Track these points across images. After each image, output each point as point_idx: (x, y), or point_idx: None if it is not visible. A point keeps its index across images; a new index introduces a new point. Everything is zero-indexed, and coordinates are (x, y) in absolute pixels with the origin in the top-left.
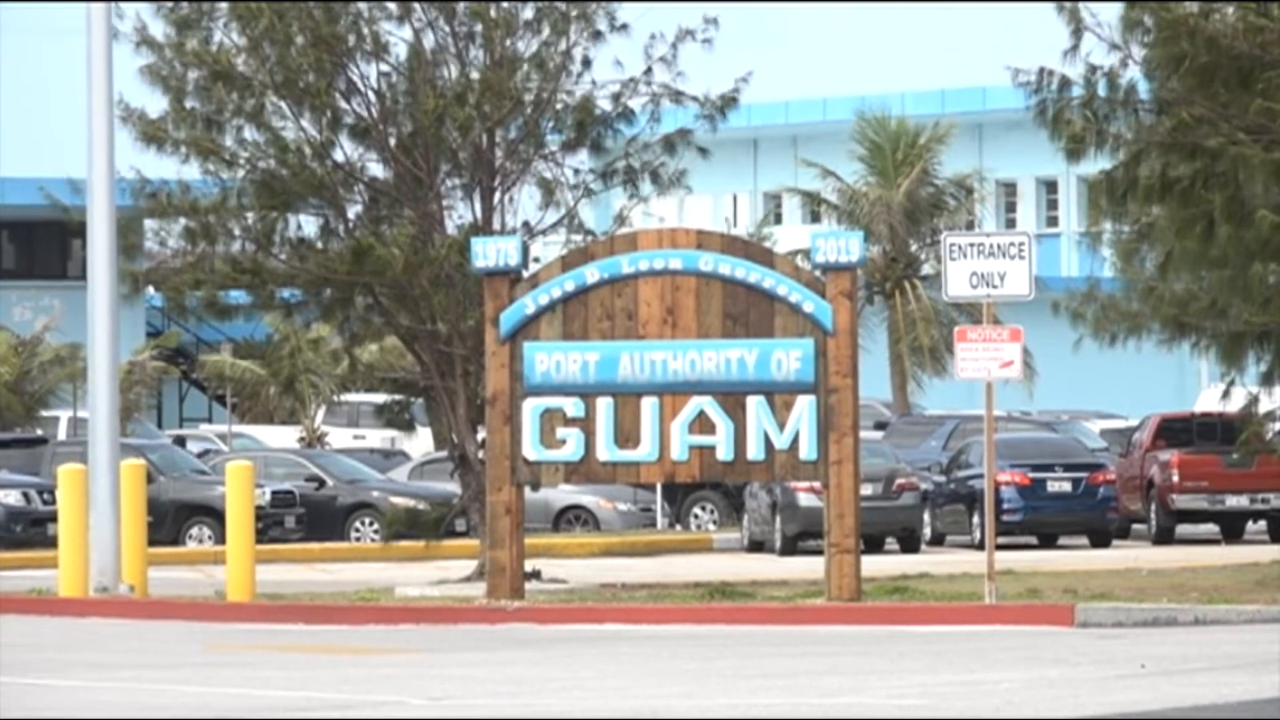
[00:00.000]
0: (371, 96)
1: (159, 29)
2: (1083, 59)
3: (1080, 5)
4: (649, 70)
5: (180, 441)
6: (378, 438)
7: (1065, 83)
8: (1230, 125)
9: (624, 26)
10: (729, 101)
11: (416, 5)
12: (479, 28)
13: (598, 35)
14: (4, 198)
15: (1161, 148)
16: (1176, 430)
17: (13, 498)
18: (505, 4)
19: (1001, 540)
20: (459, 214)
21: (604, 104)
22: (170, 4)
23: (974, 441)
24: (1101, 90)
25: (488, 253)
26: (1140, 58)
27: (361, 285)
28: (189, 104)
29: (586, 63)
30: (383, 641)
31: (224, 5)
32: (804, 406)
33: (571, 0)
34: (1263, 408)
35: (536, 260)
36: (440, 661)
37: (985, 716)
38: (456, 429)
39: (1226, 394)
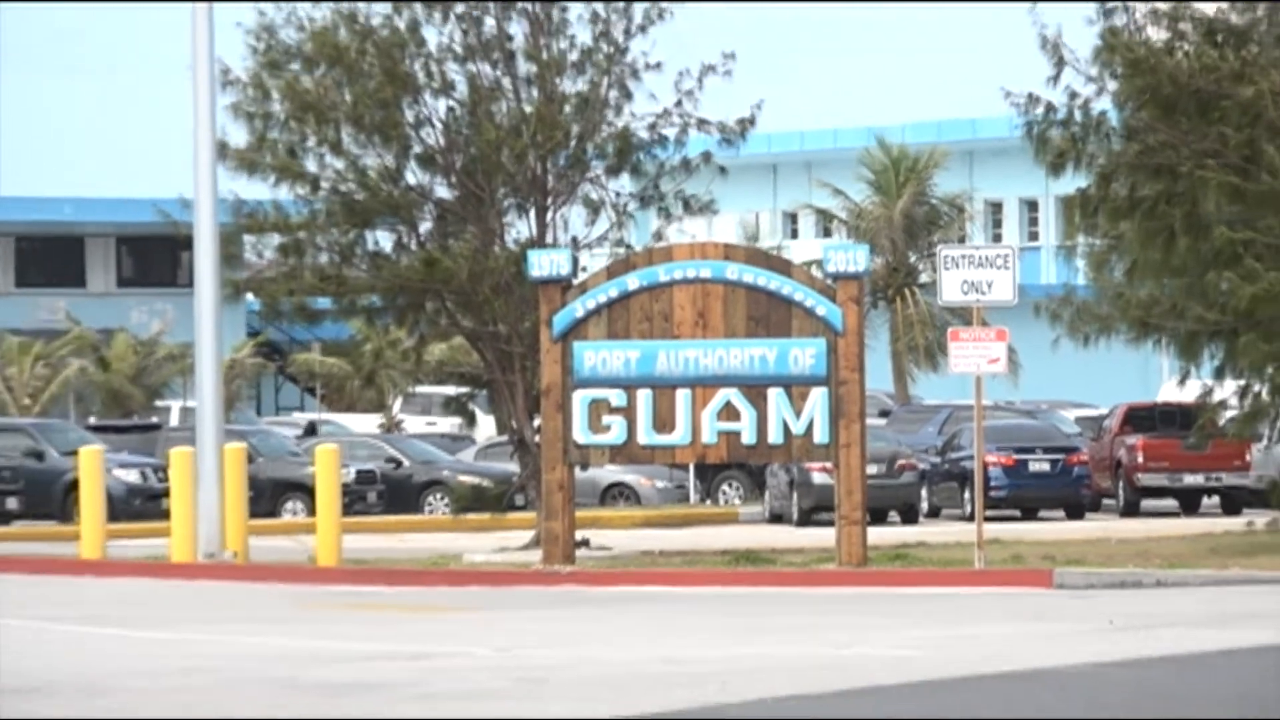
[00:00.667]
0: (438, 127)
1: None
2: (1063, 88)
3: (1061, 41)
4: (679, 103)
5: (312, 428)
6: (448, 424)
7: (1050, 107)
8: (1190, 150)
9: (657, 65)
10: (746, 126)
11: (478, 48)
12: (533, 69)
13: (635, 73)
14: (123, 215)
15: (1129, 169)
16: (1141, 418)
17: (132, 476)
18: (557, 48)
19: (989, 513)
20: (516, 230)
21: (641, 133)
22: (262, 47)
23: (965, 427)
24: (1078, 116)
25: (542, 264)
26: (1111, 90)
27: (431, 292)
28: (271, 135)
29: (626, 96)
30: (452, 601)
31: (309, 46)
32: (817, 397)
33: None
34: (1216, 397)
35: (584, 270)
36: (502, 618)
37: (974, 665)
38: (516, 417)
39: (1183, 385)
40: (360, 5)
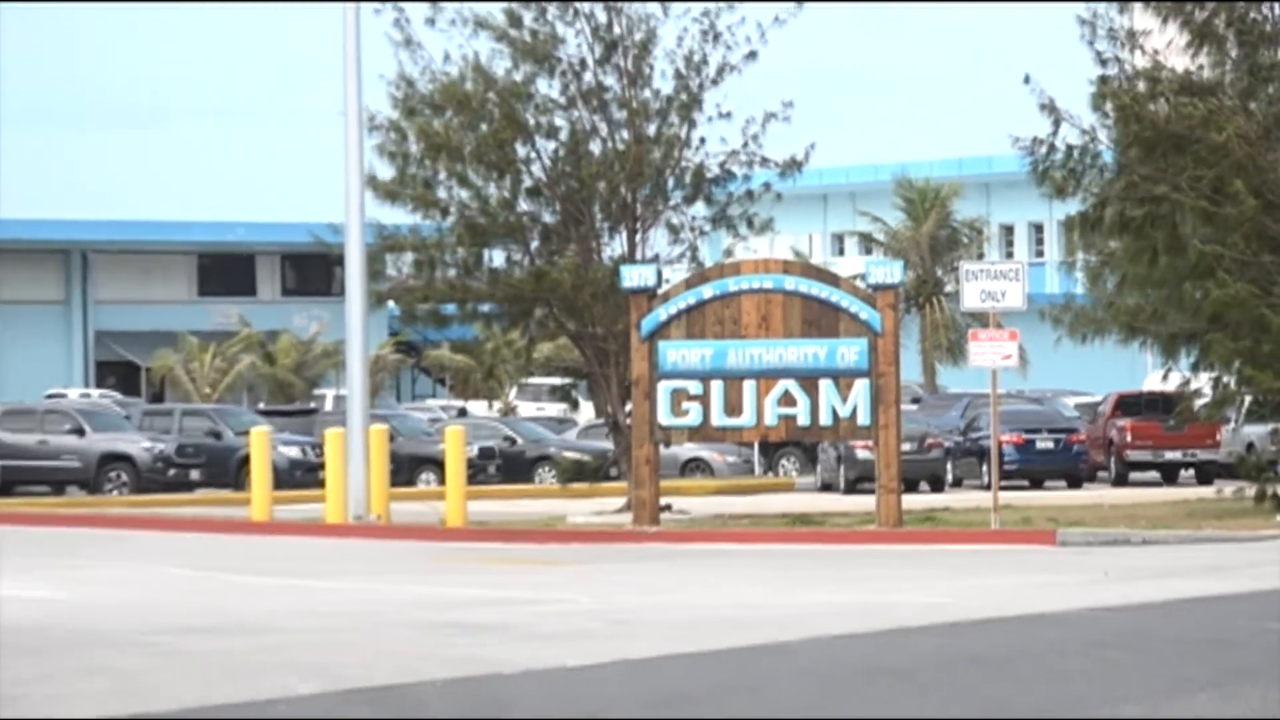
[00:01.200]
0: (546, 163)
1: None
2: (1061, 139)
3: (1057, 105)
4: (745, 145)
5: (463, 412)
6: (555, 409)
7: (1051, 148)
8: (1169, 183)
9: (727, 114)
10: (799, 163)
11: (579, 97)
12: (624, 115)
13: (709, 120)
14: (286, 237)
15: (1118, 198)
16: (1130, 404)
17: (294, 452)
18: (644, 97)
19: (1003, 483)
20: (610, 248)
21: (713, 169)
22: (402, 96)
23: (983, 412)
24: (1075, 154)
25: (632, 276)
26: (1104, 133)
27: (539, 301)
28: (410, 170)
29: (701, 139)
30: (557, 556)
31: (440, 96)
32: (860, 387)
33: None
34: (1192, 387)
35: (666, 281)
36: (598, 570)
37: (991, 610)
38: (610, 403)
39: (1165, 378)
40: (484, 59)
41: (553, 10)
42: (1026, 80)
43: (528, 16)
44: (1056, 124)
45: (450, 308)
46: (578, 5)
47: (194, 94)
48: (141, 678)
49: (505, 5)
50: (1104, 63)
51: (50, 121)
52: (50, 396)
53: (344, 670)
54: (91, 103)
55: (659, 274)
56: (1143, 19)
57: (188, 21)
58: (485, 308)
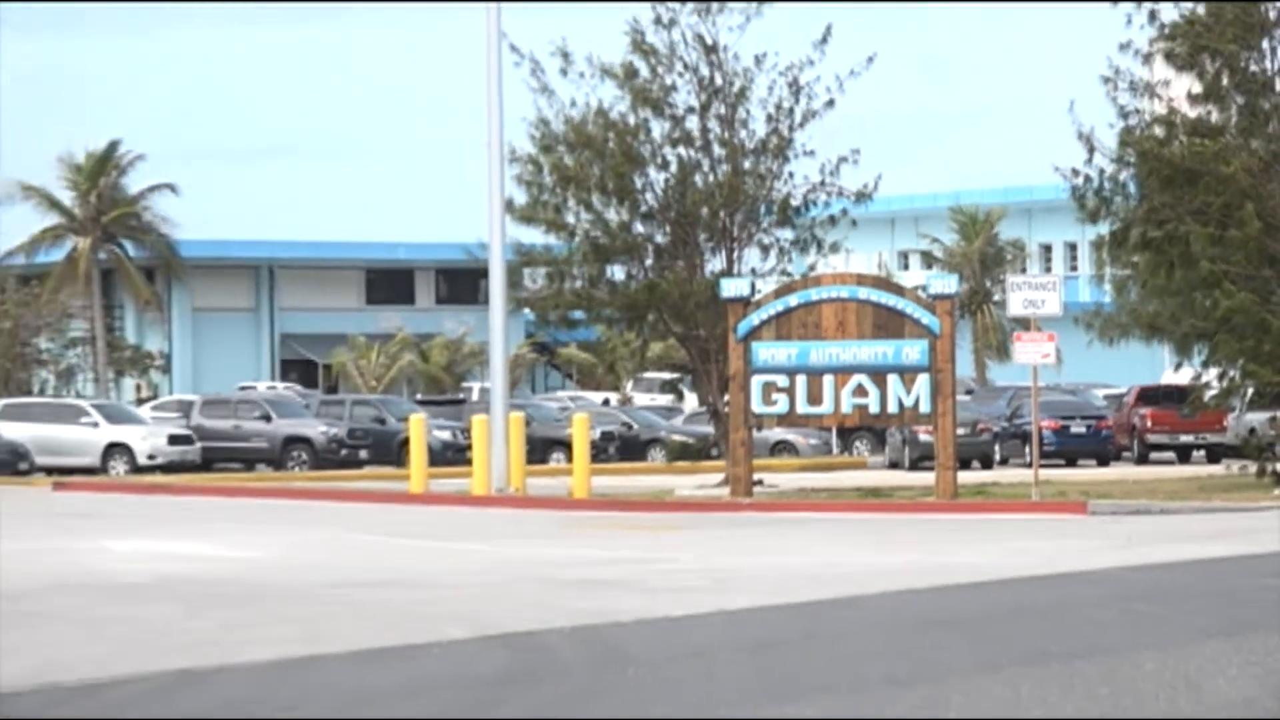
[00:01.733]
0: (658, 193)
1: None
2: (1095, 166)
3: (1093, 136)
4: (822, 182)
5: (606, 401)
6: (664, 399)
7: (1086, 179)
8: (1182, 209)
9: (811, 152)
10: (868, 194)
11: (686, 137)
12: (724, 152)
13: (795, 156)
14: (440, 255)
15: (1141, 221)
16: (1150, 395)
17: (445, 435)
18: (741, 138)
19: (1042, 462)
20: (711, 264)
21: (798, 198)
22: (538, 135)
23: (1025, 402)
24: (1106, 185)
25: (730, 288)
26: (1129, 168)
27: (652, 308)
28: (543, 198)
29: (789, 174)
30: (665, 522)
31: (570, 135)
32: (922, 380)
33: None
34: (1202, 380)
35: (758, 292)
36: (700, 535)
37: (1031, 568)
38: (711, 394)
39: (1179, 371)
40: (607, 104)
41: (665, 64)
42: (1070, 108)
43: (644, 69)
44: (1091, 151)
45: (577, 314)
46: (685, 59)
47: (365, 131)
48: (321, 624)
49: (624, 59)
50: (1125, 115)
51: (243, 156)
52: (242, 389)
53: (487, 619)
54: (276, 139)
55: (752, 286)
56: (1160, 70)
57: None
58: (606, 314)
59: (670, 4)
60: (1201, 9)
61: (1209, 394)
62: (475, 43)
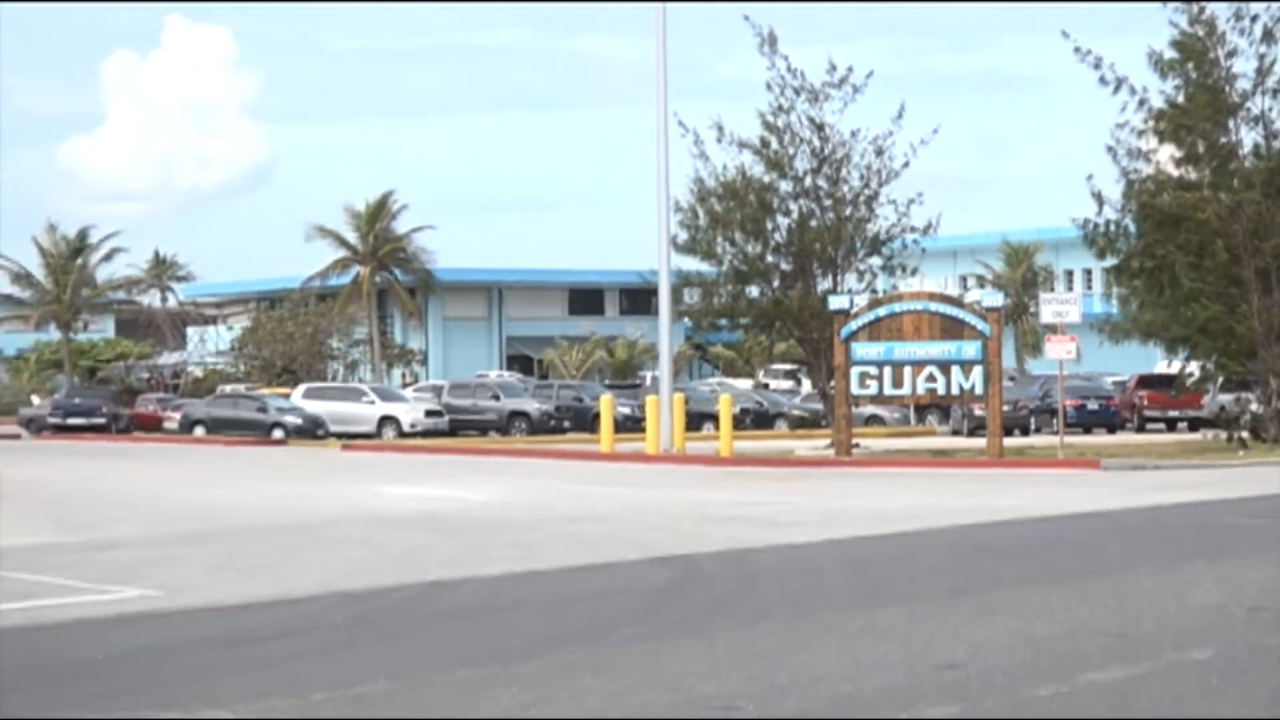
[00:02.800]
0: (783, 233)
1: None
2: (1103, 215)
3: (1101, 193)
4: (898, 223)
5: (765, 386)
6: (787, 384)
7: (1096, 225)
8: (1171, 245)
9: (893, 202)
10: (932, 226)
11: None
12: (829, 203)
13: (882, 204)
14: (622, 278)
15: (1138, 254)
16: (1146, 381)
17: (626, 410)
18: (842, 191)
19: (1066, 431)
20: (821, 284)
21: (883, 235)
22: (696, 190)
23: (1053, 386)
24: (1113, 228)
25: (835, 303)
26: (1130, 214)
27: (778, 318)
28: (699, 237)
29: (877, 217)
30: (787, 475)
31: (720, 190)
32: (977, 370)
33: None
34: (1185, 371)
35: (855, 305)
36: (813, 483)
37: (1058, 508)
38: (821, 380)
39: (1169, 365)
40: (747, 167)
41: (787, 138)
42: (1089, 178)
43: (773, 142)
44: (1100, 205)
45: (722, 322)
46: (801, 135)
47: (568, 187)
48: (535, 548)
49: (759, 135)
50: (1126, 175)
51: (481, 206)
52: (478, 376)
53: (655, 545)
54: (504, 194)
55: (851, 301)
56: (1151, 141)
57: (566, 141)
58: (744, 322)
59: (789, 95)
60: (1181, 97)
61: (1190, 380)
62: (651, 123)
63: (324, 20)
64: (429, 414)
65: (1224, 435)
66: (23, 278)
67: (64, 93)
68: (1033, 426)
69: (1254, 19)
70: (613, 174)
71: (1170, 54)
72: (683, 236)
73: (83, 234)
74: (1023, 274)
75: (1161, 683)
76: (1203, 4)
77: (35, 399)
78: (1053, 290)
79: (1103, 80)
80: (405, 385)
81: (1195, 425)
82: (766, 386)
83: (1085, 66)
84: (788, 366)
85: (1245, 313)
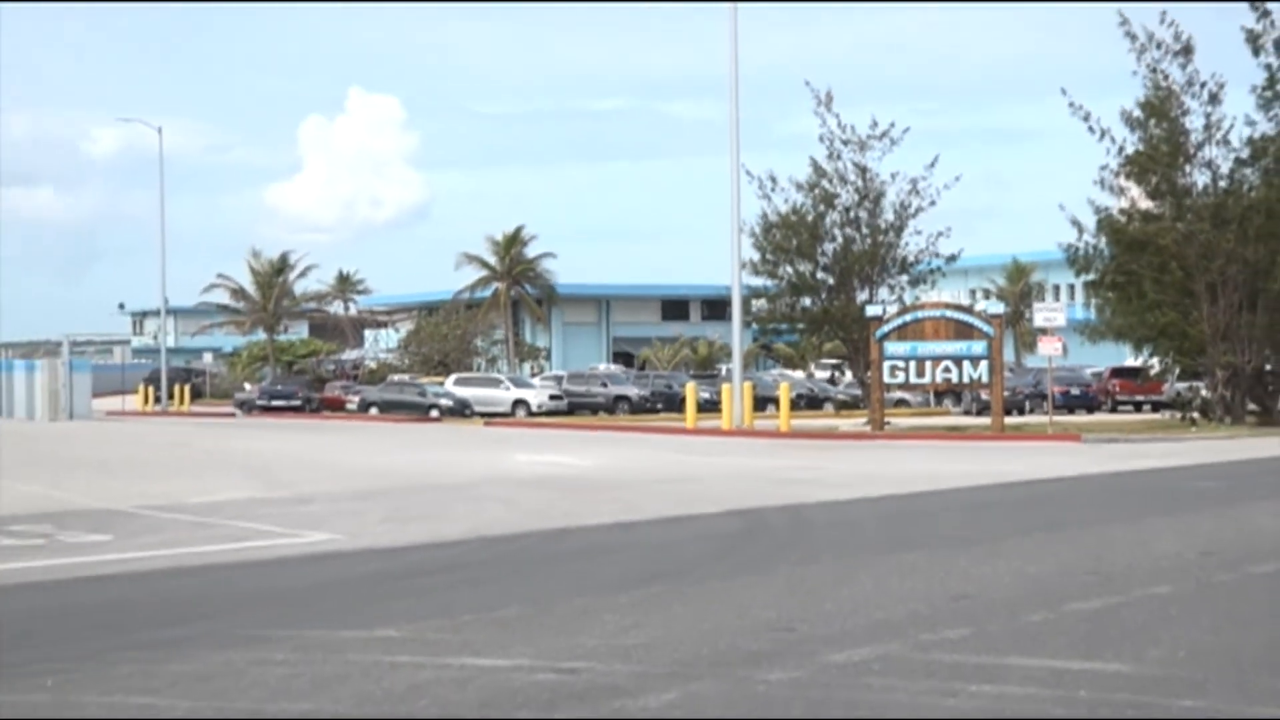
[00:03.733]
0: (829, 256)
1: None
2: (1083, 239)
3: (1078, 221)
4: (925, 249)
5: (833, 379)
6: (829, 374)
7: (1077, 249)
8: (1137, 265)
9: (919, 231)
10: (954, 257)
11: (847, 223)
12: (867, 231)
13: (911, 234)
14: (704, 292)
15: (1111, 272)
16: (1119, 372)
17: (705, 394)
18: (879, 222)
19: (1054, 412)
20: (860, 296)
21: (910, 258)
22: (762, 222)
23: (1044, 376)
24: (1091, 251)
25: (871, 310)
26: (1104, 239)
27: (827, 323)
28: (766, 258)
29: (906, 244)
30: (833, 446)
31: (781, 221)
32: (983, 364)
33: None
34: (1149, 364)
35: (887, 313)
36: (853, 452)
37: (1047, 473)
38: (860, 372)
39: (1136, 359)
40: (800, 204)
41: (836, 180)
42: (1062, 208)
43: (824, 183)
44: (1079, 233)
45: (783, 326)
46: (846, 177)
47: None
48: (635, 502)
49: (811, 178)
50: (1098, 211)
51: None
52: (590, 368)
53: (728, 500)
54: (612, 226)
55: (884, 309)
56: (1123, 182)
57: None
58: (800, 326)
59: (838, 145)
60: (1143, 146)
61: (1153, 372)
62: (726, 170)
63: (471, 90)
64: (552, 398)
65: (1179, 415)
66: (238, 292)
67: (269, 149)
68: (1027, 408)
69: (1203, 85)
70: (695, 209)
71: (1138, 113)
72: (751, 258)
73: (283, 258)
74: (1020, 288)
75: (1130, 611)
76: (1164, 73)
77: (247, 386)
78: (1044, 301)
79: (1090, 130)
80: (533, 375)
81: (1157, 407)
82: (812, 376)
83: (1076, 119)
84: (833, 361)
85: (1196, 319)
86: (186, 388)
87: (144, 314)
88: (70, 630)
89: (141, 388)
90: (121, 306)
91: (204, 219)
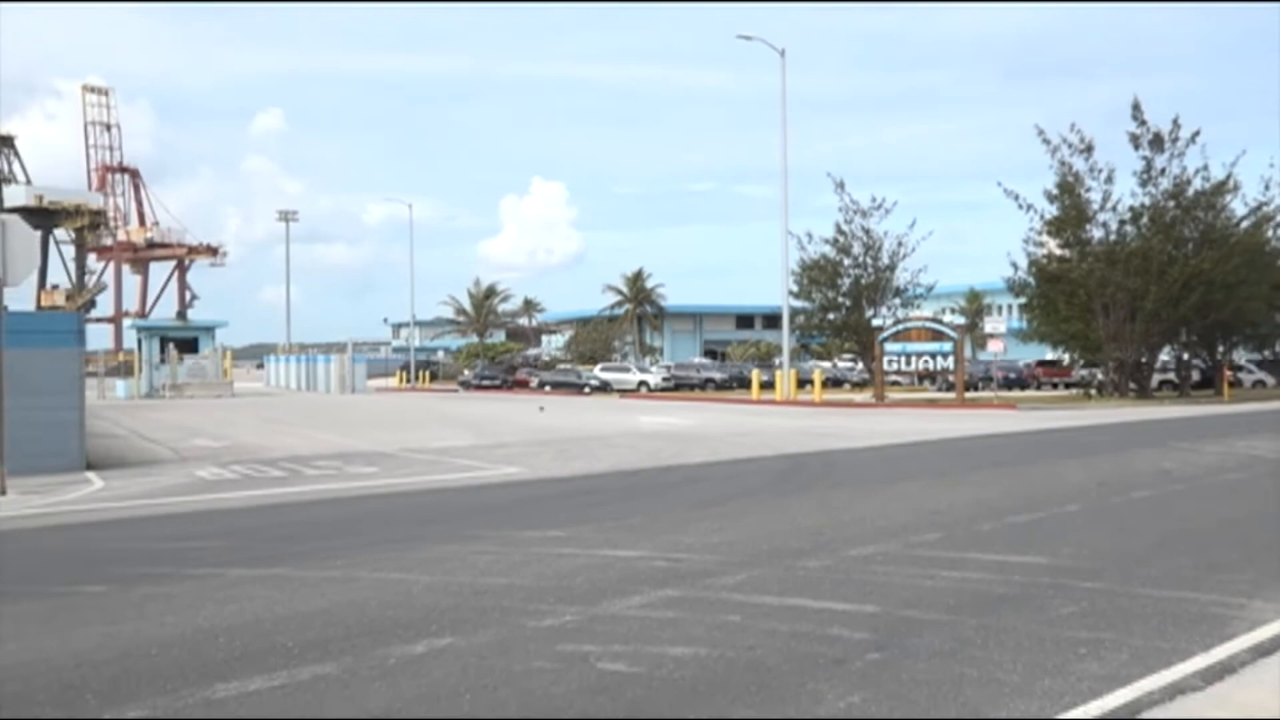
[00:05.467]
0: (845, 285)
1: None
2: (1017, 273)
3: (1015, 263)
4: (913, 280)
5: (835, 364)
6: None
7: (1013, 281)
8: (1055, 291)
9: (906, 270)
10: (930, 287)
11: (858, 265)
12: (871, 271)
13: (900, 271)
14: (764, 309)
15: (1038, 296)
16: (1043, 363)
17: (765, 377)
18: (879, 262)
19: (999, 390)
20: (868, 313)
21: (904, 287)
22: (804, 260)
23: (991, 365)
24: (1021, 281)
25: (875, 323)
26: (1031, 274)
27: (845, 330)
28: (805, 285)
29: (898, 276)
30: (850, 412)
31: (815, 260)
32: (951, 359)
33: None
34: (1064, 358)
35: (886, 324)
36: (865, 417)
37: (991, 430)
38: (868, 363)
39: (1055, 354)
40: (829, 253)
41: (849, 238)
42: (1008, 255)
43: (841, 239)
44: (1015, 270)
45: (816, 332)
46: (857, 235)
47: (733, 262)
48: (717, 448)
49: (833, 236)
50: (1028, 256)
51: (693, 273)
52: (690, 360)
53: (778, 448)
54: (707, 263)
55: (884, 322)
56: (1045, 237)
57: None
58: (827, 333)
59: (851, 214)
60: (1058, 213)
61: (1065, 363)
62: (778, 231)
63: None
64: (664, 380)
65: (1083, 392)
66: (460, 310)
67: (482, 217)
68: (980, 387)
69: (1100, 171)
70: (758, 256)
71: (1055, 191)
72: (794, 288)
73: (490, 288)
74: (975, 307)
75: (1052, 522)
76: (1070, 165)
77: (465, 372)
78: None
79: (1019, 206)
80: (651, 365)
81: (1068, 386)
82: (836, 365)
83: (1009, 199)
84: (850, 355)
85: (1095, 327)
86: (426, 373)
87: (400, 324)
88: (352, 529)
89: (398, 372)
90: (385, 320)
91: (438, 263)
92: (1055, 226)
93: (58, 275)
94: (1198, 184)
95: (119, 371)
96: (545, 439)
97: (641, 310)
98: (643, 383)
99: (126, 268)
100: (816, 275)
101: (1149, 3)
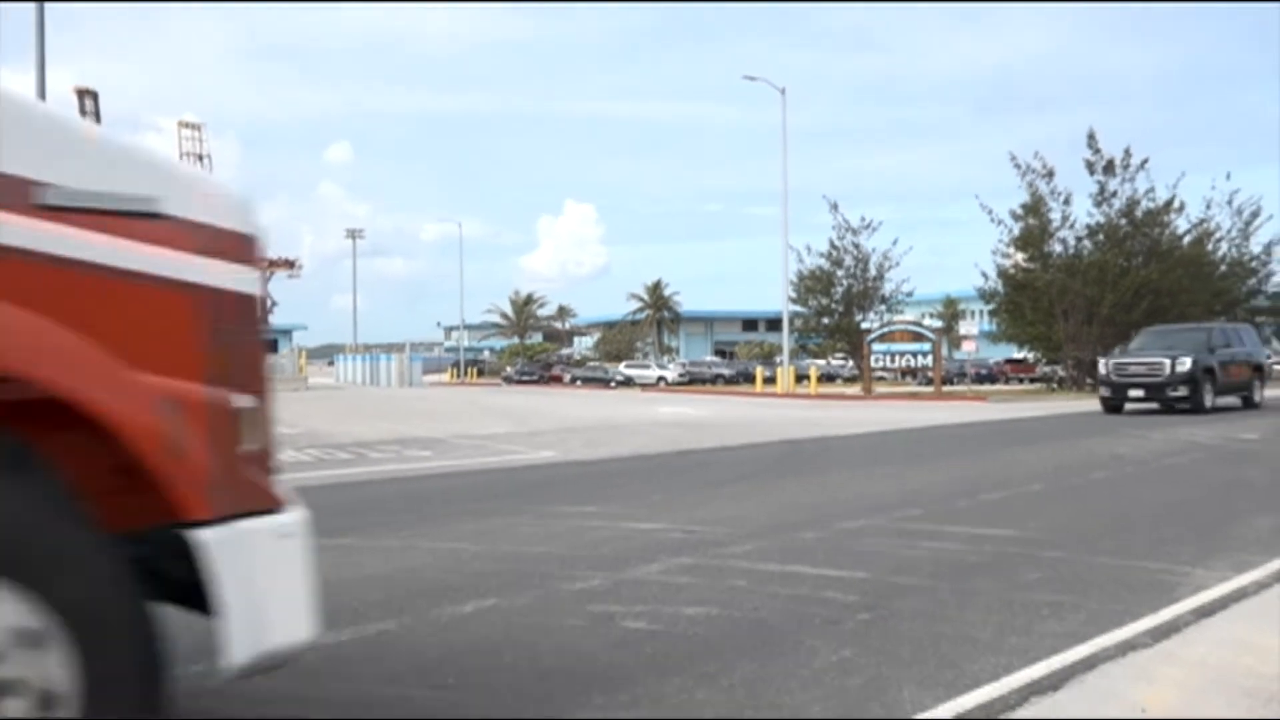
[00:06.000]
0: (838, 293)
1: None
2: (988, 283)
3: (985, 273)
4: (898, 290)
5: (829, 362)
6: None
7: (985, 290)
8: (1021, 298)
9: (891, 280)
10: (910, 293)
11: (850, 275)
12: (861, 281)
13: (887, 281)
14: (767, 313)
15: (1005, 302)
16: (1012, 361)
17: (768, 373)
18: (868, 273)
19: (972, 384)
20: (858, 318)
21: (889, 294)
22: (802, 271)
23: (966, 363)
24: (992, 289)
25: (864, 326)
26: (1001, 283)
27: (838, 332)
28: (804, 292)
29: (884, 283)
30: (842, 404)
31: (811, 271)
32: (930, 357)
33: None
34: (1029, 356)
35: (873, 326)
36: (855, 408)
37: (968, 419)
38: (858, 361)
39: (1021, 353)
40: (824, 265)
41: (842, 251)
42: (977, 265)
43: (836, 254)
44: (986, 280)
45: (813, 334)
46: (848, 249)
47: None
48: (726, 435)
49: (829, 250)
50: (997, 267)
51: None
52: (703, 359)
53: (780, 433)
54: (717, 271)
55: (872, 325)
56: (1013, 250)
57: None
58: (824, 335)
59: (844, 231)
60: (1024, 230)
61: (1030, 360)
62: (780, 245)
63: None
64: (680, 375)
65: (1046, 386)
66: (503, 315)
67: (521, 234)
68: (955, 383)
69: (1060, 194)
70: (762, 267)
71: (1020, 211)
72: (793, 295)
73: (529, 296)
74: (951, 312)
75: (1019, 500)
76: (1036, 187)
77: (508, 369)
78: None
79: (992, 221)
80: (669, 362)
81: (1033, 381)
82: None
83: (984, 214)
84: (842, 354)
85: (1056, 330)
86: (474, 369)
87: (451, 328)
88: (410, 505)
89: (449, 369)
90: (438, 324)
91: (484, 274)
92: (1022, 242)
93: None
94: (1146, 204)
95: None
96: (576, 427)
97: (660, 315)
98: (661, 378)
99: None
100: (813, 284)
101: (1103, 44)
